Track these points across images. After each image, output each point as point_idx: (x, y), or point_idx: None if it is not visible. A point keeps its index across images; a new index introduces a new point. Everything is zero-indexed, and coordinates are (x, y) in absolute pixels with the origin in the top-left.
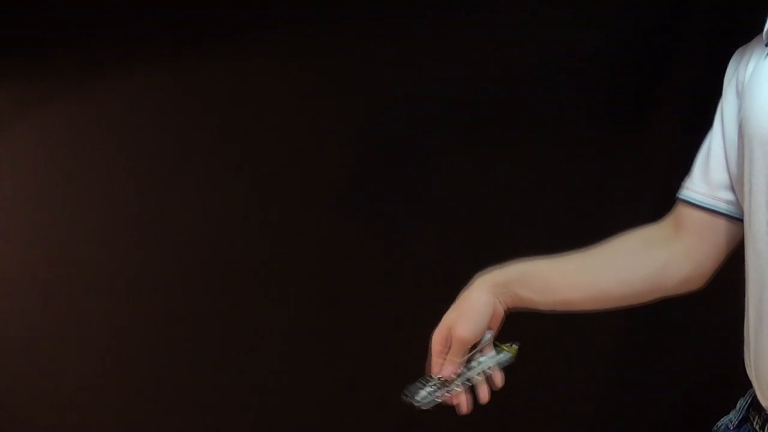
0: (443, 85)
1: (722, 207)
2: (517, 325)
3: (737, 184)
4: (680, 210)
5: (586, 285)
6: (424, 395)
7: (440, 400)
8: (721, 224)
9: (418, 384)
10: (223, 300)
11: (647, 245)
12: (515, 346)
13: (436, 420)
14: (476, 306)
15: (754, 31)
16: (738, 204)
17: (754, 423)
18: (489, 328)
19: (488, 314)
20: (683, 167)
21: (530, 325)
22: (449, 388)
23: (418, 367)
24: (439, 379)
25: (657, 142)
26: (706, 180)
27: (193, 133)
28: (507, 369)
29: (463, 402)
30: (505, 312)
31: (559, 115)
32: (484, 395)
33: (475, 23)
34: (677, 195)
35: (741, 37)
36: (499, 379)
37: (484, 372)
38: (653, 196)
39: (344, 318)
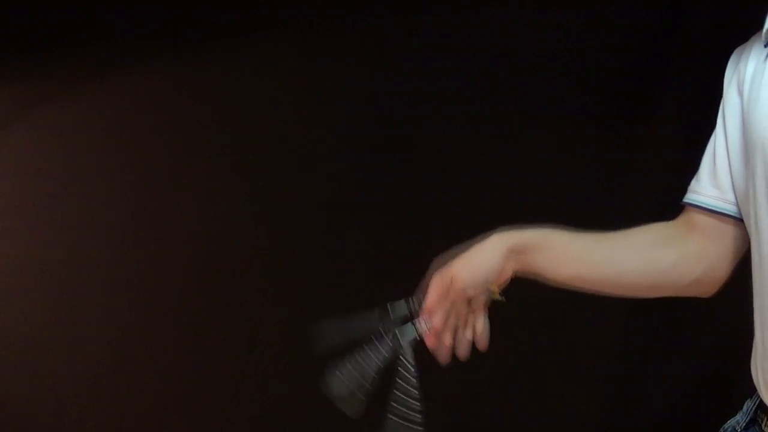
0: (443, 83)
1: (732, 210)
2: (523, 325)
3: (738, 184)
4: (690, 214)
5: (601, 266)
6: (409, 330)
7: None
8: (733, 228)
9: (408, 324)
10: (223, 299)
11: (663, 241)
12: (501, 298)
13: (436, 420)
14: (486, 265)
15: (754, 31)
16: None
17: (762, 425)
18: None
19: (495, 274)
20: (683, 165)
21: (533, 324)
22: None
23: (417, 366)
24: (425, 324)
25: (657, 140)
26: (714, 183)
27: (193, 133)
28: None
29: (443, 351)
30: (511, 276)
31: (559, 113)
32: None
33: (475, 22)
34: (685, 199)
35: (741, 36)
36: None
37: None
38: (654, 194)
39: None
